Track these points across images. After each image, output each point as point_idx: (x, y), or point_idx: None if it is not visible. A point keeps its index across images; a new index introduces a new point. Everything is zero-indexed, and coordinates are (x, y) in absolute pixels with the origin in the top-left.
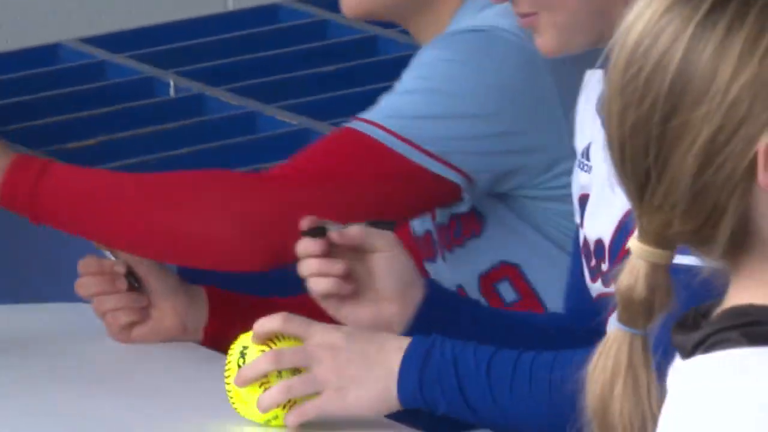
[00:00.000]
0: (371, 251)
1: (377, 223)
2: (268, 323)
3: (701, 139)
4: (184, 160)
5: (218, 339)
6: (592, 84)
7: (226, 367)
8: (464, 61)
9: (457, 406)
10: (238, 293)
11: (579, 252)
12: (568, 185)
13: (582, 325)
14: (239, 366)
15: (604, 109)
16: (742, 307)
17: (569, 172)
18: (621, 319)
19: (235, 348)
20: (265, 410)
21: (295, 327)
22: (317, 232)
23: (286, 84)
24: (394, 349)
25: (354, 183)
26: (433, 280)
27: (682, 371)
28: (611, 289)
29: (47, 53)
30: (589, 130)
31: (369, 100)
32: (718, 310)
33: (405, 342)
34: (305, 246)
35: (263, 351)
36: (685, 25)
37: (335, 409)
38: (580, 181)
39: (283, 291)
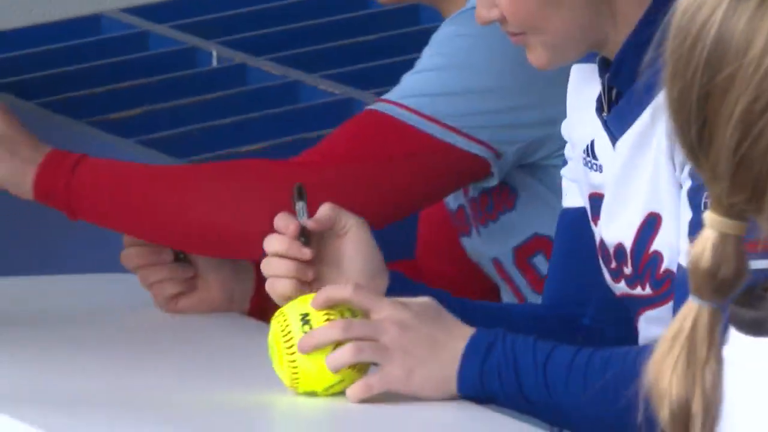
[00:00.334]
0: (341, 234)
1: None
2: (337, 292)
3: (738, 110)
4: (227, 130)
5: (264, 310)
6: (582, 79)
7: (284, 332)
8: (480, 35)
9: (515, 399)
10: None
11: (565, 238)
12: None
13: (561, 312)
14: (303, 332)
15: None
16: None
17: None
18: (690, 289)
19: (290, 314)
20: (335, 369)
21: (364, 299)
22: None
23: (328, 54)
24: (461, 336)
25: (380, 163)
26: (399, 273)
27: (754, 349)
28: (637, 291)
29: (90, 24)
30: (590, 126)
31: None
32: None
33: (469, 332)
34: (271, 243)
35: (328, 319)
36: None
37: (400, 387)
38: (590, 180)
39: None
